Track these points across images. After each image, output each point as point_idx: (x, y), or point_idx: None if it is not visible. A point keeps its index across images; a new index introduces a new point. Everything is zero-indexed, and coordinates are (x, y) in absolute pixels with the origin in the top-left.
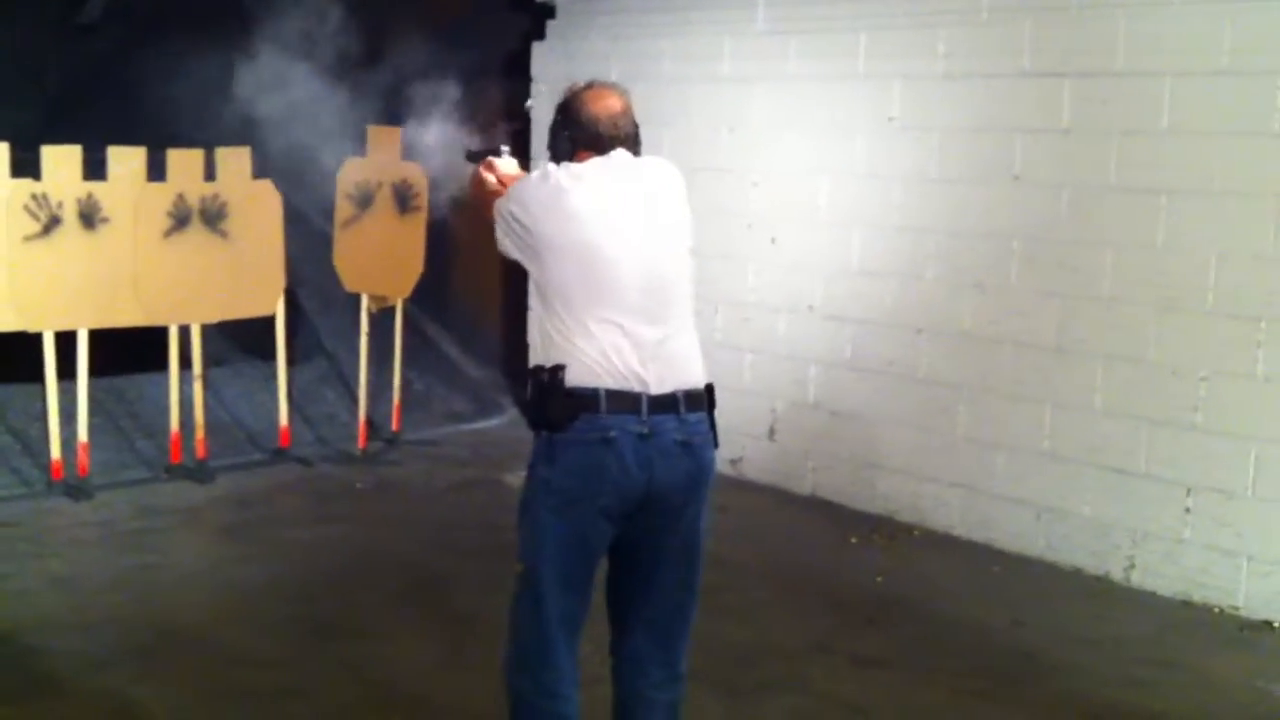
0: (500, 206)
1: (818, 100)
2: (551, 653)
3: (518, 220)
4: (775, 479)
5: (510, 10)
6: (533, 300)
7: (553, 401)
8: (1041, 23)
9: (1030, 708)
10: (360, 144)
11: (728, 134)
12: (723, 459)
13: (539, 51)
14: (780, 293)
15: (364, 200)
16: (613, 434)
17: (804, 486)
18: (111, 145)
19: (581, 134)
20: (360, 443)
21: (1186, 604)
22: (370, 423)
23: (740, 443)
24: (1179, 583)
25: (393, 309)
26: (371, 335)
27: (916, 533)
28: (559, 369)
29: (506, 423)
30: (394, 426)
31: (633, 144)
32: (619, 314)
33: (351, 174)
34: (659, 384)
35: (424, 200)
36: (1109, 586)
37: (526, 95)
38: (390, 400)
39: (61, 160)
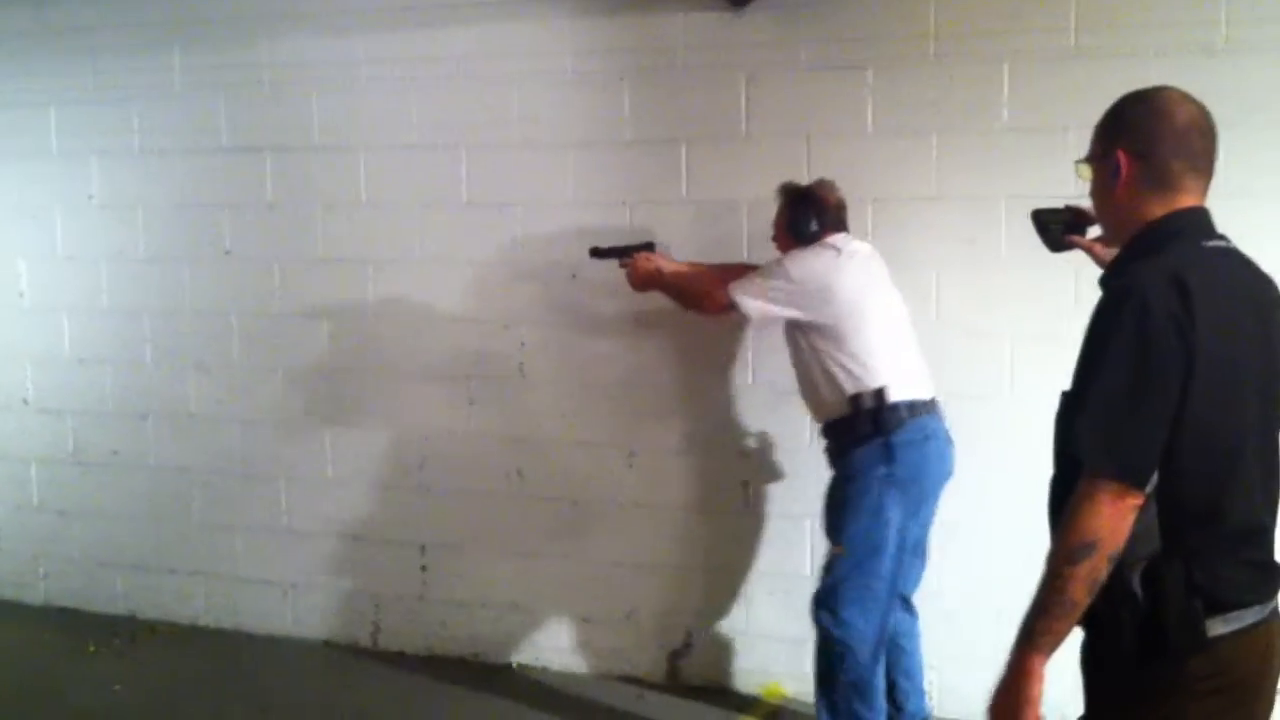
0: None
1: (9, 179)
2: None
3: None
4: (1, 590)
5: None
6: None
7: None
8: (235, 99)
9: None
10: None
11: None
12: None
13: None
14: None
15: None
16: None
17: (36, 595)
18: None
19: None
20: None
21: (430, 659)
22: None
23: None
24: (422, 639)
25: None
26: None
27: (161, 630)
28: None
29: None
30: None
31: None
32: None
33: None
34: None
35: None
36: (357, 654)
37: None
38: None
39: None
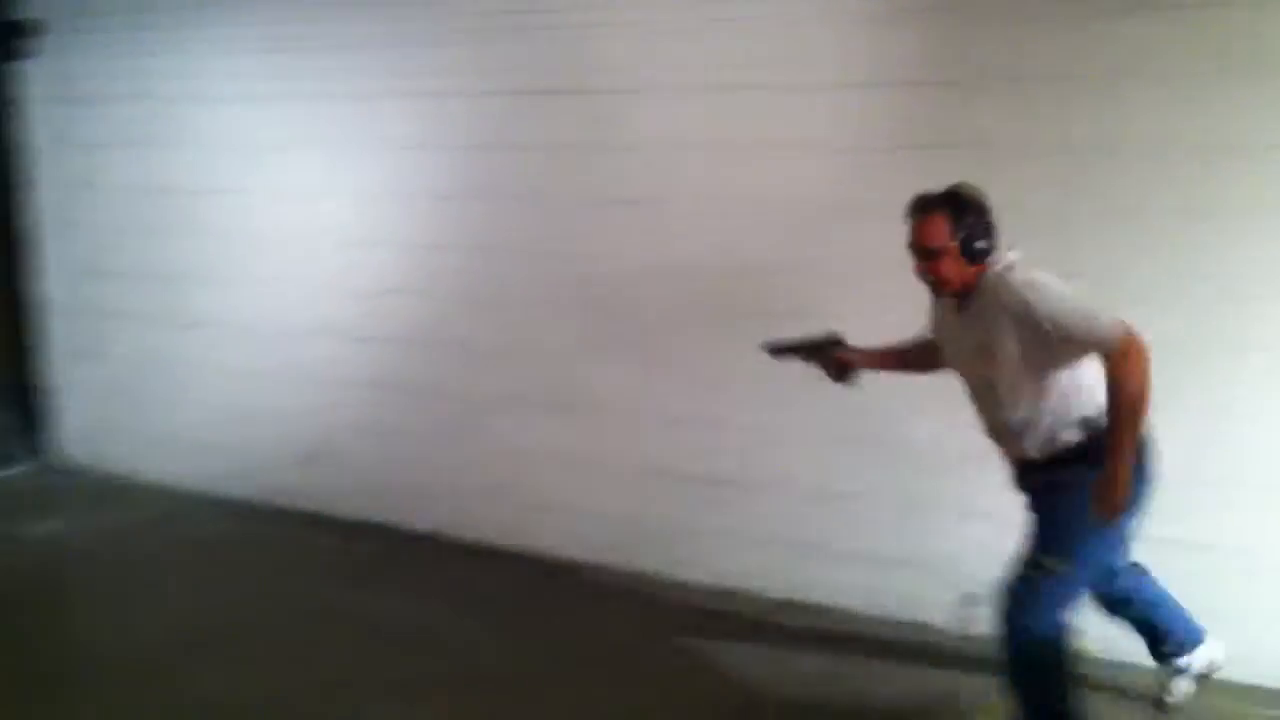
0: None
1: (326, 118)
2: None
3: None
4: (314, 505)
5: None
6: None
7: None
8: (536, 43)
9: None
10: None
11: (231, 155)
12: (269, 488)
13: (28, 71)
14: (311, 315)
15: None
16: None
17: (350, 510)
18: None
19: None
20: None
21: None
22: None
23: (285, 471)
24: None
25: None
26: None
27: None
28: None
29: (26, 472)
30: None
31: None
32: None
33: None
34: None
35: None
36: None
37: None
38: None
39: None
